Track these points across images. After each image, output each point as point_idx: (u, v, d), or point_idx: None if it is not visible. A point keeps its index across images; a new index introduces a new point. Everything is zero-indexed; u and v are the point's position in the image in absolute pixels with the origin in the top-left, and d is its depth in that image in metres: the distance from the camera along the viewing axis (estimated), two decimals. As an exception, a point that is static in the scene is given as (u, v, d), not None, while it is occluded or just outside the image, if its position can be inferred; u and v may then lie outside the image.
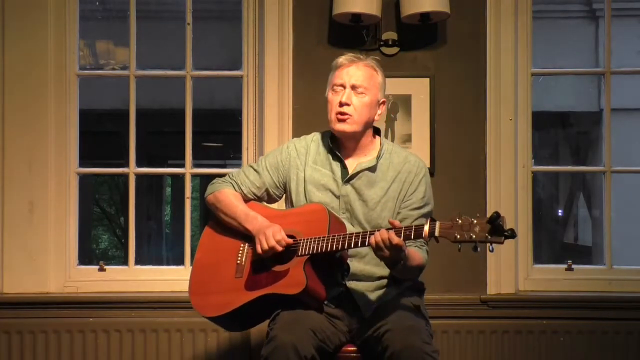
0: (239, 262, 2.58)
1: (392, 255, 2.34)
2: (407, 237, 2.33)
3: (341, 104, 2.57)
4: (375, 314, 2.54)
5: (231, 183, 2.70)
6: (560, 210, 8.15)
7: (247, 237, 2.60)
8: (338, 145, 2.67)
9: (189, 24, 3.74)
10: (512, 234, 2.22)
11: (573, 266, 3.66)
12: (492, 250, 2.26)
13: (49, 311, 3.54)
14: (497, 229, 2.21)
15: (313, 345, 2.37)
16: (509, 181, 3.58)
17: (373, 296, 2.57)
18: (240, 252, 2.60)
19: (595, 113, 7.18)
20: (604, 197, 3.75)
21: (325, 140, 2.70)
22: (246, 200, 2.69)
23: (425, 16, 3.43)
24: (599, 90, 6.95)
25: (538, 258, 3.80)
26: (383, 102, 2.68)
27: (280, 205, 2.88)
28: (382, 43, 3.57)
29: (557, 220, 8.18)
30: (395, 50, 3.58)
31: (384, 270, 2.58)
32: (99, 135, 7.09)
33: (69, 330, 3.51)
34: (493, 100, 3.58)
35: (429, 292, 2.76)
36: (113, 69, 6.55)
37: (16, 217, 3.58)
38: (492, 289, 3.55)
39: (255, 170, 2.71)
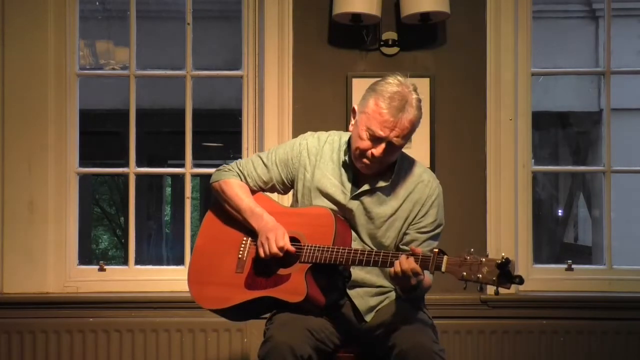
0: (240, 256, 2.54)
1: (410, 283, 2.33)
2: None
3: (373, 156, 2.42)
4: (378, 315, 2.53)
5: (238, 173, 2.63)
6: (560, 210, 8.13)
7: (251, 230, 2.55)
8: (353, 161, 2.52)
9: (189, 24, 3.74)
10: (520, 281, 2.19)
11: (573, 266, 3.67)
12: (497, 294, 2.24)
13: (49, 311, 3.54)
14: (506, 275, 2.18)
15: (310, 345, 2.36)
16: (509, 181, 3.58)
17: (373, 301, 2.55)
18: (242, 245, 2.56)
19: (595, 113, 7.17)
20: (604, 197, 3.75)
21: (340, 148, 2.57)
22: (251, 190, 2.62)
23: (425, 16, 3.43)
24: (599, 90, 6.94)
25: (538, 258, 3.80)
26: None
27: (285, 198, 2.87)
28: (382, 43, 3.57)
29: (557, 220, 8.17)
30: (395, 50, 3.57)
31: (385, 281, 2.56)
32: (99, 135, 7.10)
33: (69, 330, 3.51)
34: (493, 100, 3.58)
35: (429, 292, 2.75)
36: (113, 69, 6.55)
37: (16, 217, 3.58)
38: (492, 289, 3.53)
39: (264, 163, 2.63)
